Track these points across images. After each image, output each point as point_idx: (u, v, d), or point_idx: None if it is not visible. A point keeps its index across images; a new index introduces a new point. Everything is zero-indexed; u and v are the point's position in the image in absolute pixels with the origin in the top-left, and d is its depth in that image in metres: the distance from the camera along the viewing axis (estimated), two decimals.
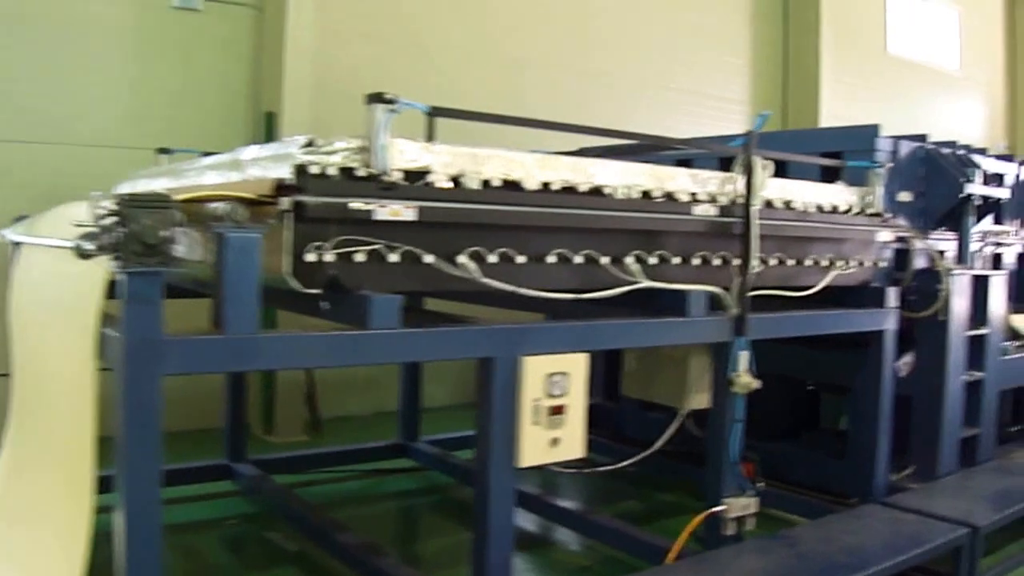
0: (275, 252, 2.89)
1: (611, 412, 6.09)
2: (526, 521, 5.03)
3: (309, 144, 2.92)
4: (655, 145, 4.62)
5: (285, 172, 2.88)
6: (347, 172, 2.91)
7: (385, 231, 2.99)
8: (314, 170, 2.85)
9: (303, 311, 3.15)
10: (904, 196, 4.88)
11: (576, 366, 3.32)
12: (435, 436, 6.23)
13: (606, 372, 6.01)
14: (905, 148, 4.93)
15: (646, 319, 3.63)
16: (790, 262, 4.22)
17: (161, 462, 2.59)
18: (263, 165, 3.11)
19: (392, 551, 4.38)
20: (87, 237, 2.56)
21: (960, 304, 4.91)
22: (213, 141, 6.08)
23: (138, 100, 6.79)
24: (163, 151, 5.81)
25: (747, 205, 3.85)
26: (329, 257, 2.89)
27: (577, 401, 3.32)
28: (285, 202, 2.84)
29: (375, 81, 7.26)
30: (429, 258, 3.06)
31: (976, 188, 4.93)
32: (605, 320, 3.50)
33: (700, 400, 4.15)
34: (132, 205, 2.49)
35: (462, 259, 3.14)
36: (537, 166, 3.36)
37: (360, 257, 2.93)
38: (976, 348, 5.08)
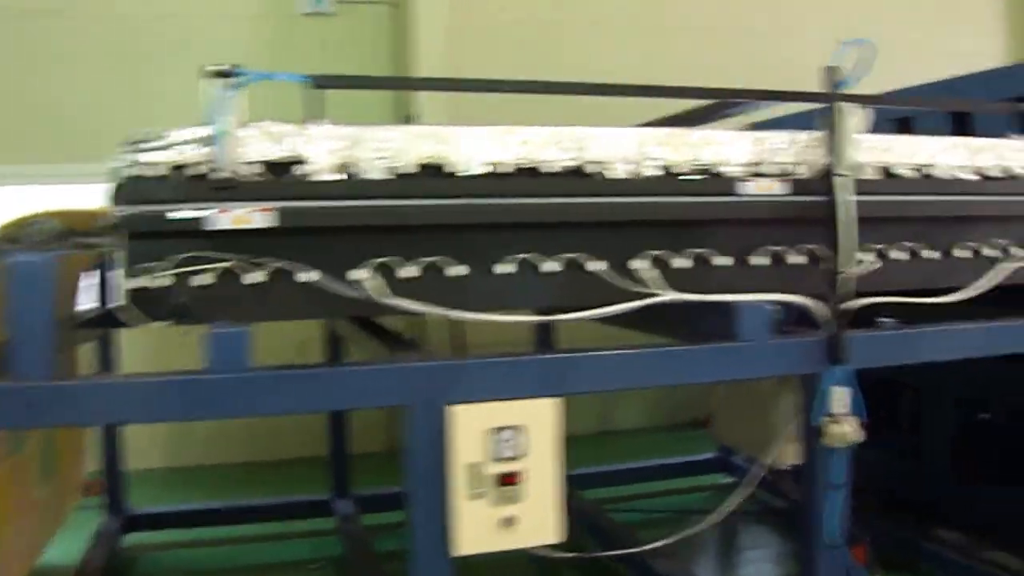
0: None
1: None
2: None
3: (139, 140, 2.19)
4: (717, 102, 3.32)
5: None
6: (184, 171, 2.16)
7: (252, 244, 2.19)
8: (131, 172, 2.13)
9: None
10: None
11: (538, 417, 2.25)
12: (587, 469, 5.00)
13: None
14: None
15: (662, 347, 2.45)
16: (929, 254, 2.78)
17: None
18: None
19: None
20: None
21: None
22: None
23: (276, 112, 6.47)
24: None
25: (829, 175, 2.54)
26: (165, 281, 2.15)
27: (542, 465, 2.26)
28: (113, 215, 2.16)
29: (511, 73, 6.44)
30: (303, 276, 2.20)
31: None
32: (584, 352, 2.37)
33: (791, 452, 2.83)
34: None
35: (357, 274, 2.24)
36: (482, 144, 2.36)
37: (203, 280, 2.15)
38: None
